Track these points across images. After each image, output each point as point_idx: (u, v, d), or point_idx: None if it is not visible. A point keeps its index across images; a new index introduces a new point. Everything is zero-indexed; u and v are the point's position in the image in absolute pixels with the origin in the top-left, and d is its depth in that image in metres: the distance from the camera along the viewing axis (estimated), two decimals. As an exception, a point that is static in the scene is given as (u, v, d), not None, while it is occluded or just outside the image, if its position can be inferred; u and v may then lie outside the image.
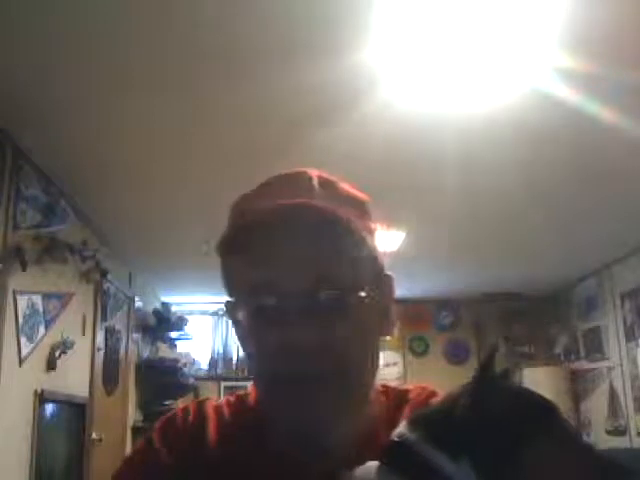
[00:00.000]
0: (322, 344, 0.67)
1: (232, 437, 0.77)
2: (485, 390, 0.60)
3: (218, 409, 0.81)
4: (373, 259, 0.75)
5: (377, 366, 0.75)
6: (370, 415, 0.75)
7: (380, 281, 0.76)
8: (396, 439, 0.63)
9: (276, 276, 0.69)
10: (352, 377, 0.71)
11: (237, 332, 0.78)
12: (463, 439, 0.58)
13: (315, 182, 0.75)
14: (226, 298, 0.77)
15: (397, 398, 0.80)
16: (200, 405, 0.82)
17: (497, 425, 0.58)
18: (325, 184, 0.75)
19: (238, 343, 0.79)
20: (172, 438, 0.77)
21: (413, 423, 0.63)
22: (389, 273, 0.78)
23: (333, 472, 0.66)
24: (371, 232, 0.76)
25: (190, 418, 0.79)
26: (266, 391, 0.74)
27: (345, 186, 0.77)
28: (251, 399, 0.82)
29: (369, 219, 0.77)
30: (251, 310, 0.71)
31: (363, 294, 0.71)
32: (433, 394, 0.78)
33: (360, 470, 0.63)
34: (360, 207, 0.76)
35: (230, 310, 0.77)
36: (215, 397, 0.86)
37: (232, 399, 0.83)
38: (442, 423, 0.61)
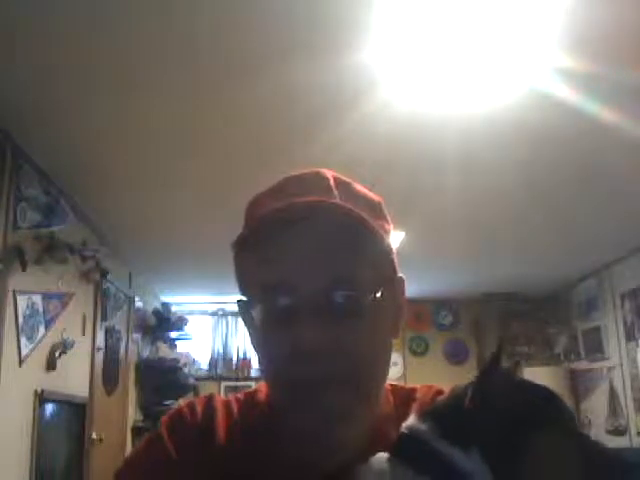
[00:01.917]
0: (336, 345, 0.67)
1: (241, 434, 0.76)
2: (492, 382, 0.61)
3: (226, 405, 0.80)
4: (388, 260, 0.75)
5: (388, 367, 0.75)
6: (379, 414, 0.75)
7: (393, 282, 0.76)
8: (406, 431, 0.64)
9: (291, 275, 0.68)
10: (365, 378, 0.71)
11: (249, 331, 0.77)
12: (472, 430, 0.59)
13: (331, 182, 0.74)
14: (238, 297, 0.77)
15: (404, 397, 0.80)
16: (208, 401, 0.81)
17: (504, 416, 0.59)
18: (341, 184, 0.74)
19: (250, 341, 0.78)
20: (180, 433, 0.76)
21: (422, 416, 0.64)
22: (401, 275, 0.77)
23: (341, 470, 0.67)
24: (387, 232, 0.75)
25: (198, 413, 0.79)
26: (278, 390, 0.73)
27: (359, 187, 0.77)
28: (260, 397, 0.81)
29: (384, 219, 0.76)
30: (265, 309, 0.71)
31: (379, 295, 0.70)
32: (440, 393, 0.78)
33: (370, 462, 0.64)
34: (375, 208, 0.75)
35: (243, 309, 0.76)
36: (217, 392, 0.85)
37: (240, 396, 0.83)
38: (451, 415, 0.62)
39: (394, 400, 0.80)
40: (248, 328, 0.77)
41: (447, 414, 0.62)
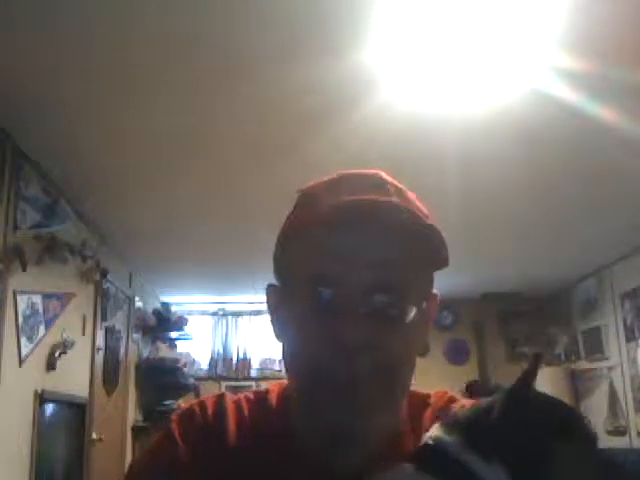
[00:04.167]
0: (375, 345, 0.68)
1: (252, 434, 0.76)
2: (520, 397, 0.61)
3: (237, 404, 0.80)
4: (432, 272, 0.76)
5: (412, 376, 0.76)
6: (398, 418, 0.76)
7: (430, 296, 0.77)
8: (431, 442, 0.63)
9: (346, 270, 0.68)
10: (396, 381, 0.72)
11: (277, 318, 0.77)
12: (498, 443, 0.59)
13: (390, 187, 0.74)
14: (271, 282, 0.77)
15: (418, 402, 0.81)
16: (219, 400, 0.80)
17: (530, 431, 0.59)
18: (397, 191, 0.75)
19: (274, 330, 0.78)
20: (192, 433, 0.76)
21: (448, 427, 0.63)
22: (436, 291, 0.78)
23: (357, 473, 0.67)
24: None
25: (209, 412, 0.78)
26: (306, 380, 0.72)
27: (411, 194, 0.77)
28: (272, 397, 0.81)
29: None
30: (310, 298, 0.70)
31: (423, 305, 0.72)
32: (453, 400, 0.80)
33: (393, 472, 0.63)
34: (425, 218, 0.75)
35: (277, 295, 0.77)
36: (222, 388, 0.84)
37: (251, 396, 0.82)
38: (478, 428, 0.62)
39: (408, 405, 0.80)
40: (277, 316, 0.77)
41: (474, 426, 0.62)
